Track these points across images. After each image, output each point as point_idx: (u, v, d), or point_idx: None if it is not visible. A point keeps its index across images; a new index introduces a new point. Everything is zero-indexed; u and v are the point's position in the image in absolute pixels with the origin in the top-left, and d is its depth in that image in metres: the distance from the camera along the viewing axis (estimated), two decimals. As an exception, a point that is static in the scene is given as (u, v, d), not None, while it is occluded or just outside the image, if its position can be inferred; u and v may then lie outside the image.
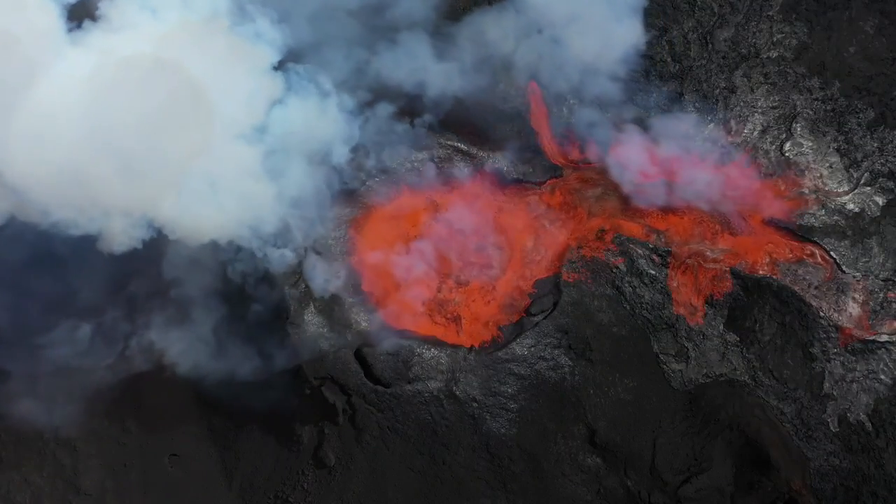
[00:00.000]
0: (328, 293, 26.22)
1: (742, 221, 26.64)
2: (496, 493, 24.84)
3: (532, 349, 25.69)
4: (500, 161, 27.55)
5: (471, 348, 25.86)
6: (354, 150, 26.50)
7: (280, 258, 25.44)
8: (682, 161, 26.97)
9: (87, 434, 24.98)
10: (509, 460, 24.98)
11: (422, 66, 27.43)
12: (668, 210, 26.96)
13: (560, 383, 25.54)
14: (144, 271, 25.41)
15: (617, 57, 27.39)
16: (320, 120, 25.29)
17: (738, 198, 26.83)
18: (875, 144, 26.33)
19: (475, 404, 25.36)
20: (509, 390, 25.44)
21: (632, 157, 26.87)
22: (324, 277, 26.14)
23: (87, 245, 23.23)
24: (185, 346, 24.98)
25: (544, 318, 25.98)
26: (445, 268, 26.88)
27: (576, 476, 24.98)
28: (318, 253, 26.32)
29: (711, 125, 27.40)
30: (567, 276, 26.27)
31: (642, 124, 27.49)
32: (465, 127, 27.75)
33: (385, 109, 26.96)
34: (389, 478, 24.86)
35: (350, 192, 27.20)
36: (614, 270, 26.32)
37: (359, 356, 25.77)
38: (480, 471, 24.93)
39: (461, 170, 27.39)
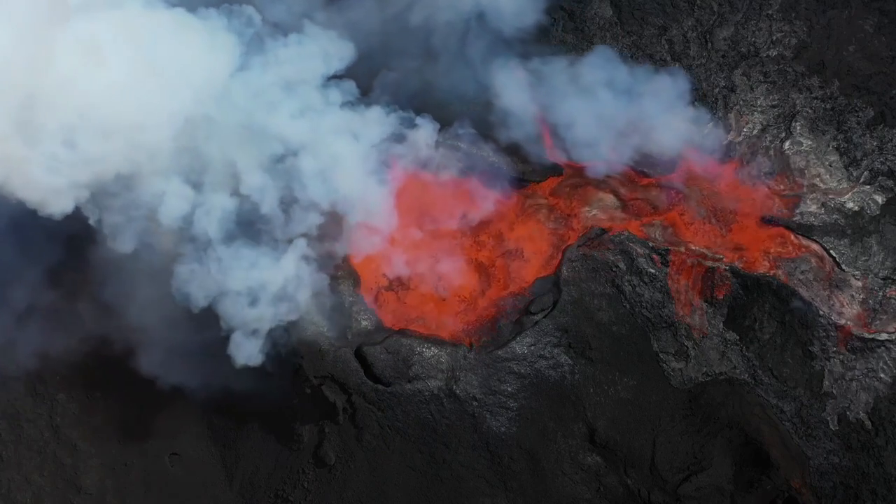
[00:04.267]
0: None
1: (738, 218, 26.65)
2: (496, 491, 24.86)
3: (532, 348, 25.70)
4: (500, 159, 27.53)
5: (471, 346, 25.89)
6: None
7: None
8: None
9: (87, 433, 25.02)
10: (509, 459, 25.00)
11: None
12: (666, 209, 27.00)
13: (560, 382, 25.55)
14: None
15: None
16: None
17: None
18: (874, 143, 26.34)
19: (475, 403, 25.37)
20: (509, 389, 25.46)
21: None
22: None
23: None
24: (182, 345, 25.00)
25: (544, 317, 25.98)
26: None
27: (576, 474, 25.01)
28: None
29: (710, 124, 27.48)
30: (567, 274, 26.28)
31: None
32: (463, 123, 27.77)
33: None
34: (390, 476, 24.88)
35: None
36: (614, 269, 26.33)
37: (359, 355, 25.77)
38: (480, 469, 24.95)
39: (457, 168, 27.35)
